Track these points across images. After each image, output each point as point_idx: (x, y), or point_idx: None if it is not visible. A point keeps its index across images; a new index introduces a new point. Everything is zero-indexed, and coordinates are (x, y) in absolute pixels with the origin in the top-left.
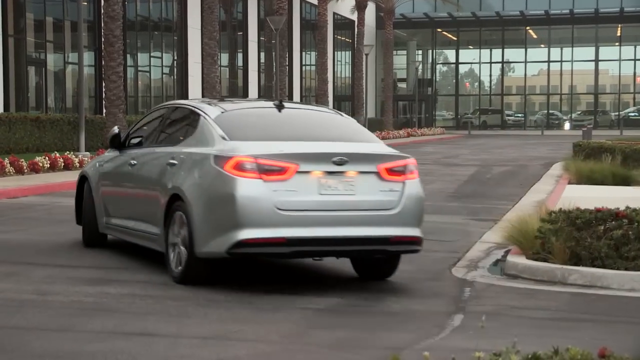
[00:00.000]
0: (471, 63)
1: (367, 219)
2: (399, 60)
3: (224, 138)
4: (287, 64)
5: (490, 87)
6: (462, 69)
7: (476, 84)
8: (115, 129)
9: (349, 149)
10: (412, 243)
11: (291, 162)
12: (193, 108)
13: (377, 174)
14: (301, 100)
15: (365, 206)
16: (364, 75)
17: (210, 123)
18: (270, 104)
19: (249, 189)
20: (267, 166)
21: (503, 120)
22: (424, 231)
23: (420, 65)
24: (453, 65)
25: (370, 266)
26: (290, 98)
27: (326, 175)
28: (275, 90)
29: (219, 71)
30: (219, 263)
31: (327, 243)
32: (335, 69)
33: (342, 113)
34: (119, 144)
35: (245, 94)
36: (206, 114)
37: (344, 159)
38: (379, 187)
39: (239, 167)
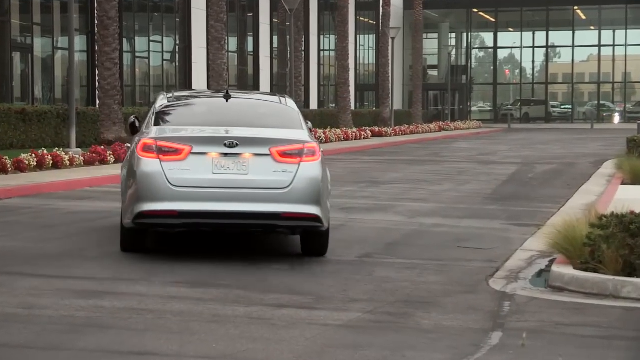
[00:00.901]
0: (511, 47)
1: (259, 196)
2: (430, 44)
3: (156, 125)
4: (303, 49)
5: (533, 74)
6: (501, 54)
7: (517, 71)
8: (132, 118)
9: (245, 133)
10: (306, 219)
11: (185, 144)
12: (153, 100)
13: (271, 156)
14: (319, 90)
15: (258, 185)
16: (390, 61)
17: (154, 112)
18: (221, 94)
19: (148, 167)
20: (164, 148)
21: (547, 113)
22: (457, 237)
23: (454, 50)
24: (491, 50)
25: (304, 242)
26: (307, 87)
27: (222, 157)
28: (290, 78)
29: (226, 57)
30: (157, 234)
31: (218, 216)
32: (358, 55)
33: (288, 102)
34: (135, 132)
35: (256, 83)
36: (155, 104)
37: (234, 142)
38: (272, 168)
39: (144, 149)
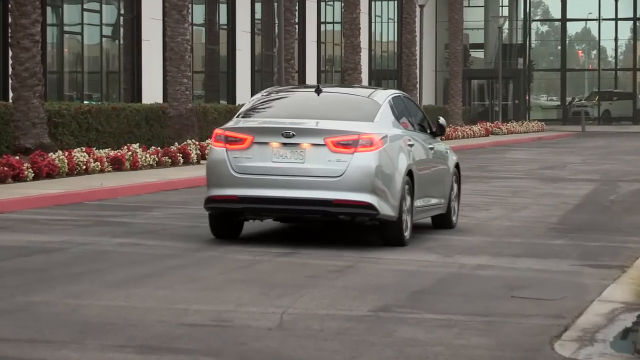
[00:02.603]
0: (585, 20)
1: (313, 183)
2: (473, 15)
3: (237, 117)
4: (296, 21)
5: (616, 57)
6: (572, 28)
7: (593, 52)
8: None
9: (303, 125)
10: (359, 207)
11: (247, 134)
12: None
13: (325, 146)
14: (319, 77)
15: (313, 173)
16: (418, 39)
17: (246, 105)
18: (313, 89)
19: (216, 155)
20: (230, 137)
21: (635, 110)
22: (511, 283)
23: (507, 23)
24: (557, 24)
25: (379, 232)
26: (302, 74)
27: (281, 146)
28: (279, 62)
29: (190, 33)
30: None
31: (274, 202)
32: (373, 30)
33: (376, 96)
34: None
35: (231, 68)
36: (251, 98)
37: (291, 133)
38: (327, 157)
39: (215, 139)
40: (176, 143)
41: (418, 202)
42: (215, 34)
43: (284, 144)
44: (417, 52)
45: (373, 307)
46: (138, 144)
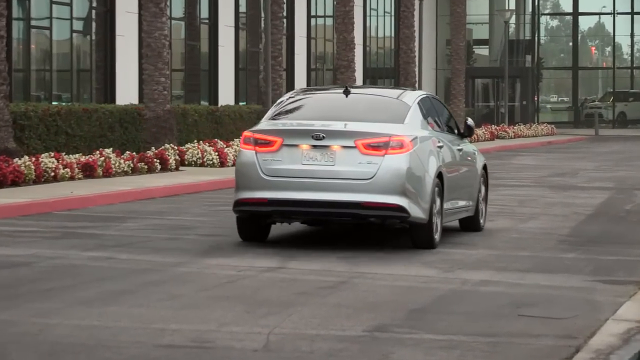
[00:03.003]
0: (599, 14)
1: (343, 186)
2: (477, 8)
3: (265, 119)
4: (284, 15)
5: (632, 55)
6: (584, 23)
7: (608, 49)
8: None
9: (332, 127)
10: (389, 209)
11: (277, 137)
12: None
13: (356, 148)
14: (309, 76)
15: (343, 175)
16: (417, 34)
17: (273, 107)
18: (341, 90)
19: (245, 158)
20: (260, 140)
21: None
22: (518, 300)
23: (513, 17)
24: (569, 18)
25: (410, 234)
26: (290, 72)
27: (311, 149)
28: (265, 59)
29: (168, 27)
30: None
31: (304, 204)
32: (368, 25)
33: (406, 97)
34: None
35: (213, 66)
36: (279, 100)
37: (321, 135)
38: (357, 160)
39: (244, 141)
40: (153, 148)
41: (447, 205)
42: (196, 28)
43: (314, 146)
44: (416, 49)
45: (368, 327)
46: (111, 148)
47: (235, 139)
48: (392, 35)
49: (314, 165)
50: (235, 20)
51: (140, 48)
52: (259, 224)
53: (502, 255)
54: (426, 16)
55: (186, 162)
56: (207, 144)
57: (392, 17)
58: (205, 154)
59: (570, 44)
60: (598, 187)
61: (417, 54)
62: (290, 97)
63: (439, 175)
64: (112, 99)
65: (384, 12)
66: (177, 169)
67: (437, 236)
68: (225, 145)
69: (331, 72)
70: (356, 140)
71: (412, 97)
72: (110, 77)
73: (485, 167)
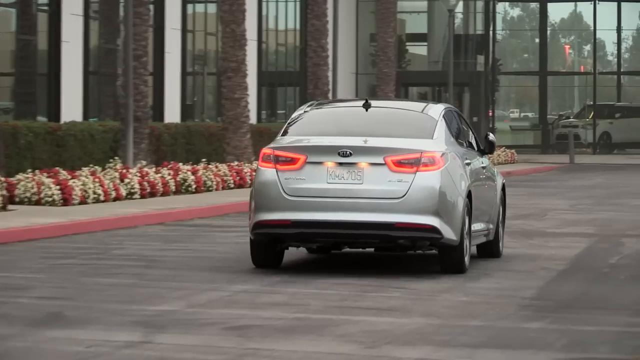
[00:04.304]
0: (575, 0)
1: (373, 205)
2: None
3: (281, 135)
4: (150, 0)
5: (619, 56)
6: (555, 13)
7: (587, 48)
8: None
9: (360, 143)
10: (422, 230)
11: (300, 154)
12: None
13: (386, 165)
14: (184, 82)
15: (372, 194)
16: (330, 27)
17: (288, 122)
18: (361, 103)
19: (265, 177)
20: (281, 157)
21: None
22: None
23: (461, 4)
24: (534, 6)
25: (440, 258)
26: (159, 77)
27: (337, 166)
28: (125, 59)
29: None
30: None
31: (330, 226)
32: (265, 14)
33: (431, 110)
34: None
35: (54, 69)
36: (292, 115)
37: (348, 152)
38: (387, 178)
39: (263, 158)
40: None
41: (474, 226)
42: (32, 18)
43: (340, 164)
44: (330, 47)
45: None
46: None
47: (83, 168)
48: (298, 27)
49: (341, 184)
50: (85, 7)
51: None
52: (274, 249)
53: (444, 325)
54: (343, 3)
55: (17, 199)
56: (45, 174)
57: (298, 4)
58: (42, 187)
59: (537, 40)
60: (574, 234)
61: (330, 53)
62: (304, 112)
63: (468, 195)
64: None
65: None
66: (4, 208)
67: (467, 259)
68: (70, 177)
69: (214, 78)
70: (385, 157)
71: (437, 111)
72: None
73: (504, 188)
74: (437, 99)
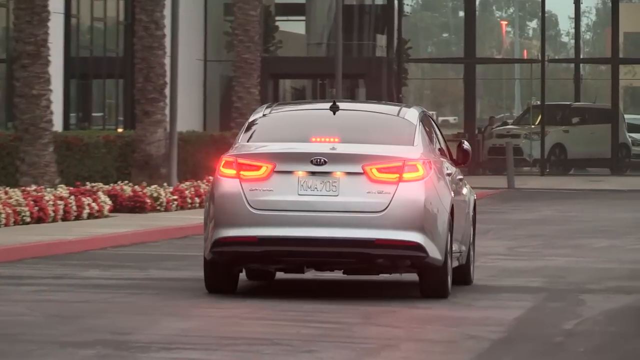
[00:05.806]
0: None
1: (350, 220)
2: None
3: (241, 141)
4: None
5: (578, 38)
6: None
7: (532, 25)
8: None
9: (334, 149)
10: (405, 247)
11: (267, 161)
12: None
13: (364, 175)
14: None
15: (348, 207)
16: None
17: (246, 126)
18: (327, 105)
19: (226, 188)
20: (245, 166)
21: (618, 146)
22: None
23: None
24: None
25: (420, 280)
26: None
27: (309, 176)
28: None
29: None
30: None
31: (302, 243)
32: None
33: (408, 114)
34: None
35: None
36: (249, 118)
37: (321, 159)
38: (366, 189)
39: (224, 166)
40: None
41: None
42: None
43: (313, 173)
44: (168, 22)
45: None
46: None
47: None
48: (119, 3)
49: (313, 196)
50: None
51: None
52: (231, 272)
53: None
54: None
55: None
56: None
57: None
58: None
59: (461, 13)
60: (514, 288)
61: (168, 32)
62: (263, 115)
63: (451, 210)
64: None
65: None
66: None
67: (449, 282)
68: None
69: (2, 66)
70: (364, 165)
71: (414, 115)
72: None
73: (475, 205)
74: (320, 97)
